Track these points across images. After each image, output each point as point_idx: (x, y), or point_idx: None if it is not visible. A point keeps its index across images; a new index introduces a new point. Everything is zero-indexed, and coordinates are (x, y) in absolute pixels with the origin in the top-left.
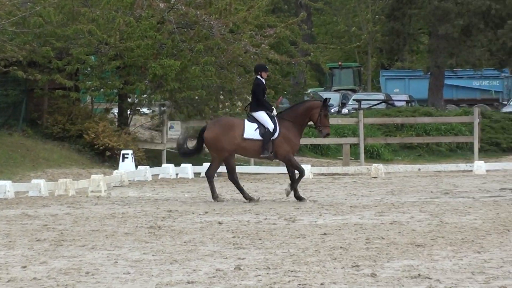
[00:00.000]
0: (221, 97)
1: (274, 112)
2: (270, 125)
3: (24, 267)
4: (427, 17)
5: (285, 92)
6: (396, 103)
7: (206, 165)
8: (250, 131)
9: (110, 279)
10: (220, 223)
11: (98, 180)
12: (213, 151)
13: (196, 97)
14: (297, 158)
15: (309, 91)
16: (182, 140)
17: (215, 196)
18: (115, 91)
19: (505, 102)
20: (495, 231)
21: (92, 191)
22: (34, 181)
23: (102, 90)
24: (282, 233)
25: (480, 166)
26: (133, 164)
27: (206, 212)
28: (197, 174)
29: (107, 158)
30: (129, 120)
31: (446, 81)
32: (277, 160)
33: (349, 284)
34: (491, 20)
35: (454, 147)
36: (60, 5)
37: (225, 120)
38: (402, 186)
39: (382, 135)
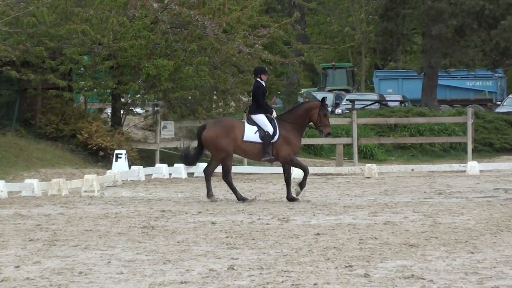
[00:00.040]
0: (215, 97)
1: (274, 114)
2: (269, 129)
3: (17, 267)
4: (420, 17)
5: (279, 92)
6: (390, 103)
7: (200, 165)
8: (250, 133)
9: (103, 279)
10: (213, 223)
11: (91, 180)
12: (211, 151)
13: (190, 97)
14: None
15: (302, 91)
16: (185, 151)
17: (210, 194)
18: (109, 91)
19: (499, 103)
20: (489, 232)
21: (85, 191)
22: (27, 181)
23: (95, 90)
24: (276, 233)
25: (473, 166)
26: (126, 164)
27: (200, 212)
28: (190, 174)
29: (101, 158)
30: (122, 120)
31: (440, 82)
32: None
33: (342, 284)
34: (484, 21)
35: (447, 147)
36: (53, 5)
37: (226, 121)
38: (395, 187)
39: (375, 135)
